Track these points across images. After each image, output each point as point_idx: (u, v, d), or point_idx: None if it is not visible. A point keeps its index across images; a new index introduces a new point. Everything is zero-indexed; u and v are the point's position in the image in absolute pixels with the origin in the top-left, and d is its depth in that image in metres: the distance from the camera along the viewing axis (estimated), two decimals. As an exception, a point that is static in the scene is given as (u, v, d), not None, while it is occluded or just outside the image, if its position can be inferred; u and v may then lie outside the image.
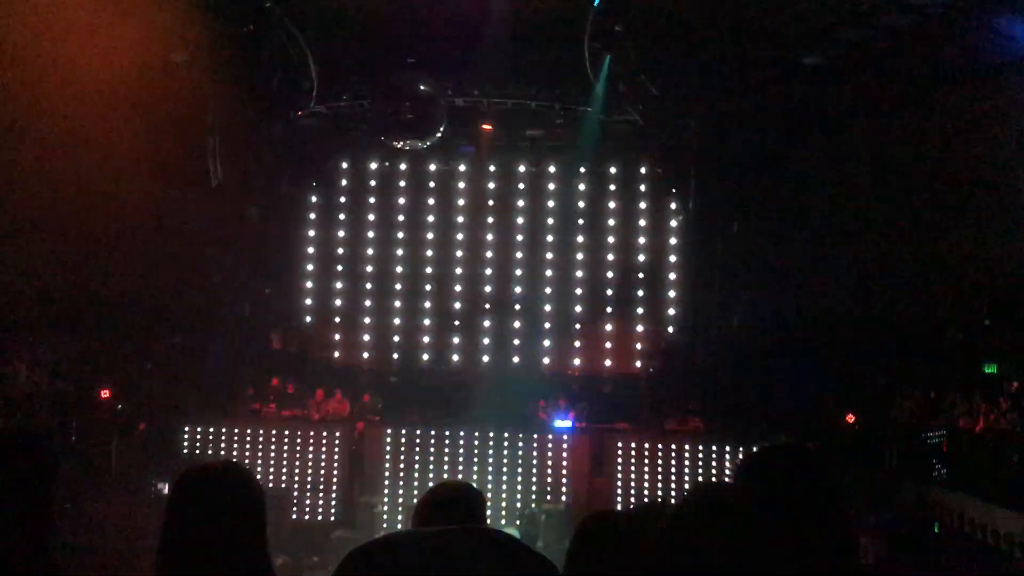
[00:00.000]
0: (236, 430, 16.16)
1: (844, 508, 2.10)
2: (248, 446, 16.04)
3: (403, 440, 16.02)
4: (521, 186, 17.59)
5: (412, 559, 1.13)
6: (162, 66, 14.07)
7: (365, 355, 17.60)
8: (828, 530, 2.04)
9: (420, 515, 3.25)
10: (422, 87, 14.57)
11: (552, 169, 17.42)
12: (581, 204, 17.47)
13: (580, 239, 17.45)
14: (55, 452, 2.70)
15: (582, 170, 17.31)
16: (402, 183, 17.74)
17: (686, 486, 15.34)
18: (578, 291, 17.40)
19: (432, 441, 16.00)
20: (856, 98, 14.88)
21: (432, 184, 17.75)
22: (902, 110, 14.55)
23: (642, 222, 17.37)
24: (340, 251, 17.84)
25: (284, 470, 15.97)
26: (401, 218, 17.75)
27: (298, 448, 16.13)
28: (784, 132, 15.21)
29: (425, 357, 17.55)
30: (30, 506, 2.60)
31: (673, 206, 17.10)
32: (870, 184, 14.99)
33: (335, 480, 16.04)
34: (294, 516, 15.48)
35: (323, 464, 16.09)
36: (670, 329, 17.16)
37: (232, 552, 2.39)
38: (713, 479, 15.44)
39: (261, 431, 16.19)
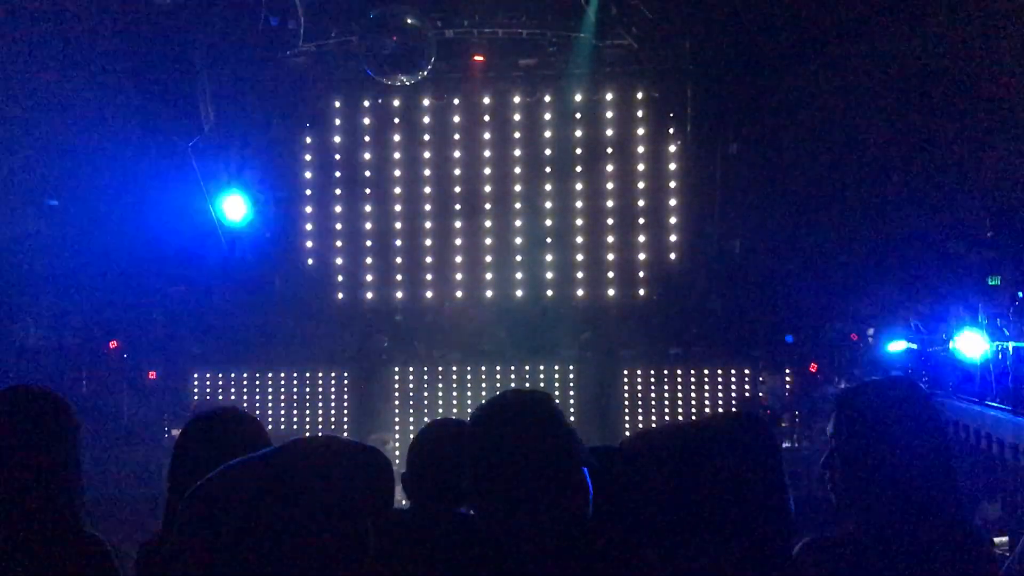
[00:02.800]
0: (245, 375, 16.35)
1: (947, 443, 2.08)
2: (258, 390, 16.24)
3: (411, 377, 16.23)
4: (517, 117, 17.36)
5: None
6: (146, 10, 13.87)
7: (368, 295, 17.63)
8: (935, 466, 2.03)
9: (412, 457, 3.25)
10: (409, 20, 14.30)
11: (547, 98, 17.16)
12: (578, 132, 17.26)
13: (578, 168, 17.28)
14: (73, 407, 2.74)
15: (578, 98, 17.05)
16: (396, 119, 17.53)
17: (693, 410, 15.53)
18: (578, 221, 17.31)
19: (440, 377, 16.20)
20: (856, 12, 14.55)
21: (427, 119, 17.53)
22: (900, 19, 14.24)
23: (640, 148, 17.17)
24: (338, 191, 17.73)
25: (295, 412, 16.20)
26: (397, 155, 17.58)
27: (307, 389, 16.34)
28: (782, 50, 14.92)
29: (429, 294, 17.56)
30: (57, 463, 2.62)
31: (671, 130, 16.88)
32: (868, 98, 14.76)
33: (345, 419, 16.29)
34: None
35: (333, 404, 16.31)
36: (672, 256, 17.10)
37: None
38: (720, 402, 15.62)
39: (270, 374, 16.38)
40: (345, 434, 16.05)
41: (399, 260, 17.62)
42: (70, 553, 2.52)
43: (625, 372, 15.96)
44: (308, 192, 17.74)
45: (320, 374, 16.35)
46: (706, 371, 15.79)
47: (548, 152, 17.31)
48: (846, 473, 2.07)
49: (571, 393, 15.96)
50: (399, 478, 2.96)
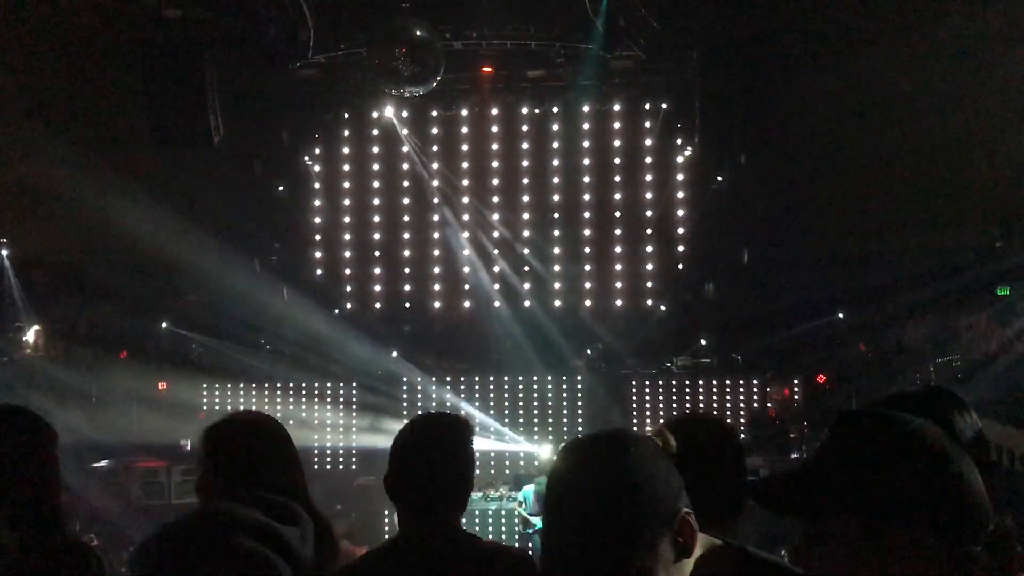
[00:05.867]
0: (254, 386, 16.38)
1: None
2: (267, 401, 16.26)
3: (419, 387, 16.24)
4: (525, 128, 17.39)
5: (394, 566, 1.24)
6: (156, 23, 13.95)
7: (377, 305, 17.66)
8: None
9: (395, 457, 2.88)
10: (418, 32, 14.34)
11: (556, 110, 17.19)
12: (586, 144, 17.28)
13: (586, 179, 17.31)
14: (46, 422, 2.88)
15: (586, 109, 17.07)
16: (405, 131, 17.58)
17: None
18: (587, 232, 17.33)
19: (448, 387, 16.21)
20: (863, 22, 14.56)
21: (435, 130, 17.58)
22: (912, 32, 14.23)
23: (648, 159, 17.20)
24: (346, 202, 17.78)
25: (304, 424, 16.23)
26: (406, 166, 17.63)
27: (316, 401, 16.38)
28: (790, 61, 14.92)
29: (437, 305, 17.58)
30: (36, 482, 2.71)
31: (679, 141, 16.90)
32: (879, 109, 14.76)
33: (354, 430, 16.31)
34: (315, 466, 15.75)
35: (341, 415, 16.33)
36: (680, 266, 17.10)
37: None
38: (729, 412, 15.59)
39: (279, 385, 16.41)
40: (354, 447, 16.05)
41: (407, 270, 17.65)
42: (54, 558, 2.66)
43: (633, 383, 15.94)
44: (316, 203, 17.79)
45: (329, 385, 16.37)
46: (714, 381, 15.77)
47: (556, 163, 17.34)
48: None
49: (579, 403, 15.95)
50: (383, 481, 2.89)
